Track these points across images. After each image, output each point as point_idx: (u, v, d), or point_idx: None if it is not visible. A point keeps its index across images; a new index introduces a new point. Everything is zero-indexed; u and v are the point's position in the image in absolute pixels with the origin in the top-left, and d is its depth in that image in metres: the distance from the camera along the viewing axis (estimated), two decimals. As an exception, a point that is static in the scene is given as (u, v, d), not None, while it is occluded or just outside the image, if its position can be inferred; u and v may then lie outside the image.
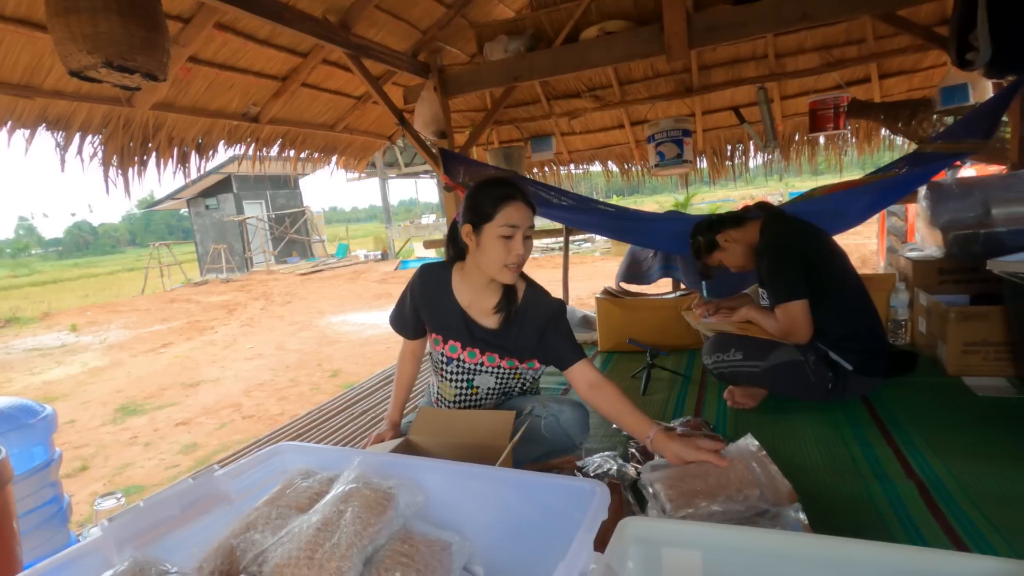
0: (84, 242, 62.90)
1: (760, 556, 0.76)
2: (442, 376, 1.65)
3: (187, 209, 19.10)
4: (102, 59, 1.55)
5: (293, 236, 19.13)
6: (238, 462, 1.05)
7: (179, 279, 16.98)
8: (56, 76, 2.17)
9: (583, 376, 1.48)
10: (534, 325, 1.54)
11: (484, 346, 1.58)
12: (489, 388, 1.64)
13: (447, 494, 1.00)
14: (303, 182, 21.36)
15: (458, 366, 1.61)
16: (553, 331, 1.53)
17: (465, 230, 1.47)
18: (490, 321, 1.56)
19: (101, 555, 0.82)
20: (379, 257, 17.70)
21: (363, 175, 15.61)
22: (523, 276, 1.58)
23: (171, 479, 3.40)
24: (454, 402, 1.66)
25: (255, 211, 18.57)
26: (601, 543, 0.75)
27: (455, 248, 1.57)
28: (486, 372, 1.61)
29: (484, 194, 1.44)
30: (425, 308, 1.61)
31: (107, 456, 4.34)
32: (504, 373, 1.63)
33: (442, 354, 1.61)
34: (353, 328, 8.01)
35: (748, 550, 0.77)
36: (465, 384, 1.63)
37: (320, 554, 0.80)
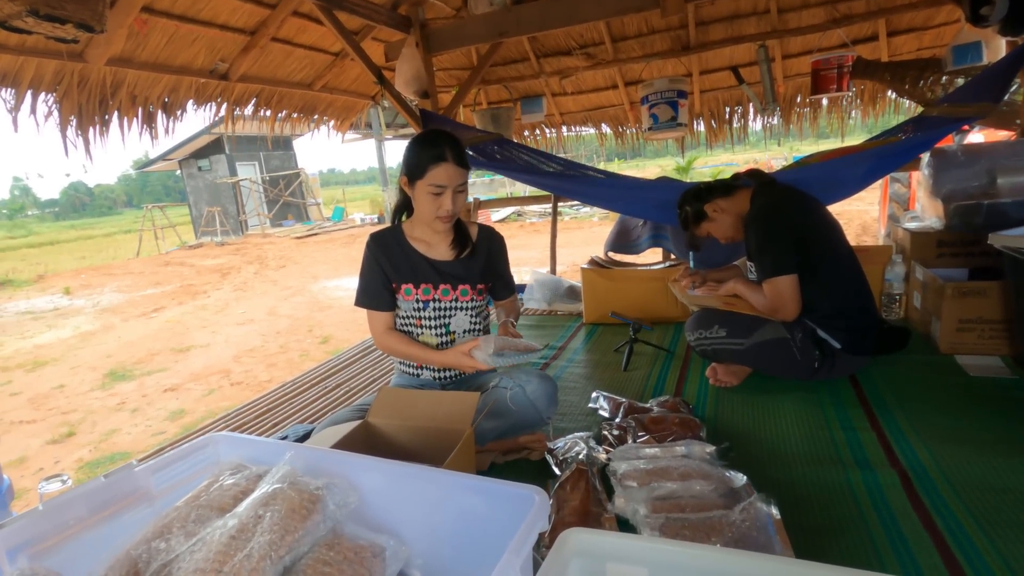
0: (80, 203, 62.16)
1: None
2: (420, 326, 1.69)
3: (180, 170, 18.77)
4: (25, 6, 1.40)
5: (288, 199, 18.85)
6: (163, 455, 0.97)
7: (174, 242, 16.84)
8: (-4, 28, 2.01)
9: (508, 305, 1.81)
10: (488, 251, 1.75)
11: (454, 280, 1.67)
12: (465, 331, 1.71)
13: (386, 495, 0.92)
14: (297, 143, 20.93)
15: (435, 308, 1.67)
16: (501, 261, 1.78)
17: (402, 180, 1.61)
18: (450, 255, 1.69)
19: (-9, 565, 0.75)
20: (375, 220, 17.46)
21: (360, 136, 15.23)
22: (472, 223, 1.78)
23: (157, 445, 3.37)
24: (437, 349, 1.70)
25: (248, 173, 18.23)
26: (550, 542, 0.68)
27: (405, 206, 1.71)
28: (460, 309, 1.69)
29: (417, 152, 1.53)
30: (390, 265, 1.66)
31: (94, 422, 4.32)
32: (477, 308, 1.72)
33: (417, 300, 1.67)
34: (346, 293, 7.92)
35: (699, 569, 0.69)
36: (443, 330, 1.69)
37: (229, 567, 0.72)
